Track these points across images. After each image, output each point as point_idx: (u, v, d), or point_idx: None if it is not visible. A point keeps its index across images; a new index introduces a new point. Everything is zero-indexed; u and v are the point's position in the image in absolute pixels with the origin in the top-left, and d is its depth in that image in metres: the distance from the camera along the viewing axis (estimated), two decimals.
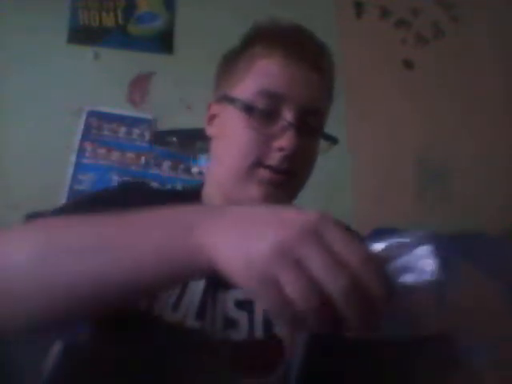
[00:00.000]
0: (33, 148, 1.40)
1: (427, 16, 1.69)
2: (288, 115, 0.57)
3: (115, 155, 1.46)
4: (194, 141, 1.47)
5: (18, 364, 0.49)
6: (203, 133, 0.67)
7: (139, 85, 1.52)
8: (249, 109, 0.58)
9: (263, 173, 0.58)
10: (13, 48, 1.47)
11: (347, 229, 0.64)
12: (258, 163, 0.58)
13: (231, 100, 0.61)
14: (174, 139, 1.49)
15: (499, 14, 1.68)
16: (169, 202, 0.62)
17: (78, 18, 1.55)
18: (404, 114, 1.59)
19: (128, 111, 1.49)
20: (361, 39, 1.65)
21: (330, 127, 0.62)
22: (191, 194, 0.68)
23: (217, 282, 0.56)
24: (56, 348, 0.28)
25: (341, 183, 1.50)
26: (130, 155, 1.46)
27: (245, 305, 0.57)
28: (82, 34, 1.54)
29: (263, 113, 0.58)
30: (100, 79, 1.48)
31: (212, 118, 0.66)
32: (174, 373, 0.32)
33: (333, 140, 0.63)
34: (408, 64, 1.66)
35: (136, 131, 1.48)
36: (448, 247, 0.33)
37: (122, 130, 1.48)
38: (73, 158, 1.44)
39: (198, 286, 0.57)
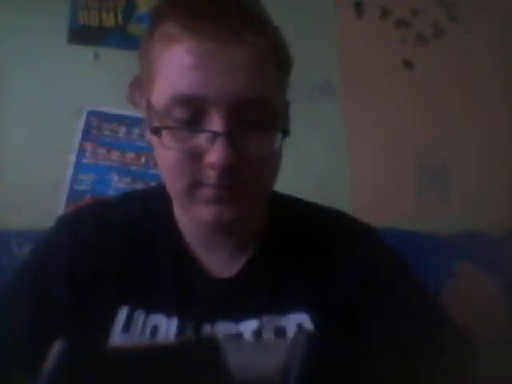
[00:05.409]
0: (33, 148, 1.40)
1: (427, 16, 1.69)
2: (213, 122, 0.44)
3: (115, 155, 1.46)
4: None
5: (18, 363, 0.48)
6: None
7: (139, 85, 1.52)
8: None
9: (206, 192, 0.47)
10: (13, 48, 1.47)
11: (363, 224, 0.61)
12: (196, 182, 0.47)
13: (150, 107, 0.49)
14: None
15: (499, 14, 1.68)
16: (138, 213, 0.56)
17: (77, 18, 1.55)
18: (404, 113, 1.59)
19: (128, 111, 1.49)
20: (361, 39, 1.64)
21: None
22: (160, 197, 0.55)
23: (199, 316, 0.52)
24: (56, 348, 0.28)
25: (340, 183, 1.50)
26: (130, 155, 1.46)
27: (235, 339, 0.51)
28: (82, 34, 1.54)
29: (185, 123, 0.45)
30: (100, 79, 1.48)
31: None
32: (173, 374, 0.32)
33: (284, 132, 0.48)
34: (408, 64, 1.66)
35: (136, 131, 1.48)
36: None
37: (122, 130, 1.48)
38: (73, 158, 1.44)
39: (170, 325, 0.51)
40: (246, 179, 0.47)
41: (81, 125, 1.46)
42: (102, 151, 1.46)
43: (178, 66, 0.44)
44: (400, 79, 1.64)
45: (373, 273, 0.56)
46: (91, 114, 1.47)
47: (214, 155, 0.44)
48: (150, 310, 0.52)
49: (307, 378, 0.31)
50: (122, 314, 0.52)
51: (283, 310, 0.53)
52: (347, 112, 1.57)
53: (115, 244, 0.55)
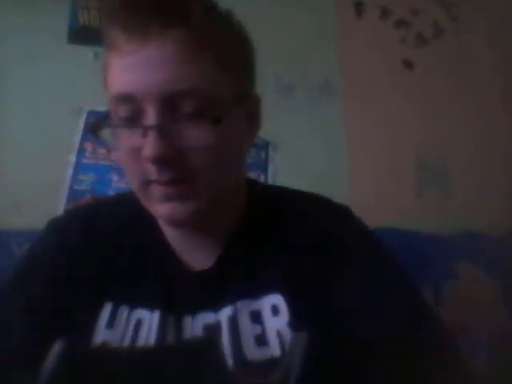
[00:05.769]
0: (33, 148, 1.40)
1: (427, 16, 1.69)
2: (147, 117, 0.45)
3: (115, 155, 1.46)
4: None
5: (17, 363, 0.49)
6: None
7: None
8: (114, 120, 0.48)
9: (156, 189, 0.48)
10: (13, 48, 1.47)
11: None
12: (146, 180, 0.48)
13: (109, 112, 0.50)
14: None
15: (499, 14, 1.68)
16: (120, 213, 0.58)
17: (77, 18, 1.55)
18: (404, 113, 1.59)
19: None
20: (361, 39, 1.65)
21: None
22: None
23: (179, 308, 0.54)
24: (56, 348, 0.28)
25: (340, 183, 1.50)
26: None
27: (213, 329, 0.53)
28: (82, 34, 1.54)
29: (128, 121, 0.47)
30: (100, 79, 1.48)
31: None
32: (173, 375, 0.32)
33: (215, 120, 0.46)
34: (408, 64, 1.67)
35: None
36: None
37: None
38: (73, 158, 1.44)
39: (152, 319, 0.53)
40: (193, 173, 0.47)
41: (81, 125, 1.47)
42: (101, 151, 1.46)
43: (115, 67, 0.47)
44: (400, 79, 1.64)
45: (347, 256, 0.56)
46: (91, 114, 1.47)
47: (146, 149, 0.45)
48: (133, 306, 0.54)
49: (307, 378, 0.31)
50: (107, 311, 0.53)
51: (258, 294, 0.54)
52: (347, 112, 1.58)
53: (101, 244, 0.57)
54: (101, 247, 0.57)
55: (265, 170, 1.49)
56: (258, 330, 0.52)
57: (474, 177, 1.56)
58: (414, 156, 1.59)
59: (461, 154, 1.59)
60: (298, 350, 0.32)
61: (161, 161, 0.45)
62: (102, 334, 0.52)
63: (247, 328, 0.52)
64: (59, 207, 1.37)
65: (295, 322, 0.51)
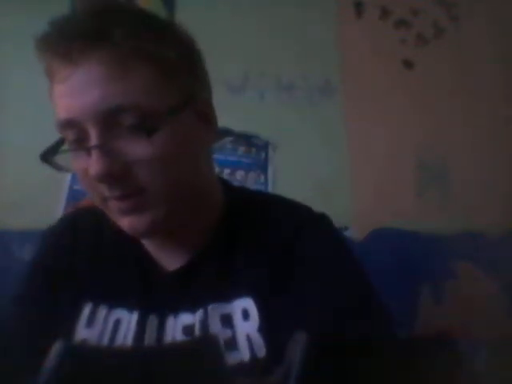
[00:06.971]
0: (33, 148, 1.40)
1: (427, 16, 1.69)
2: (91, 138, 0.46)
3: None
4: None
5: (17, 363, 0.49)
6: None
7: None
8: (66, 144, 0.50)
9: (112, 204, 0.49)
10: (13, 48, 1.47)
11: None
12: (103, 197, 0.49)
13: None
14: None
15: (499, 14, 1.68)
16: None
17: None
18: (404, 113, 1.59)
19: None
20: (361, 39, 1.65)
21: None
22: None
23: (160, 308, 0.55)
24: (56, 348, 0.28)
25: (340, 183, 1.50)
26: None
27: (189, 330, 0.54)
28: None
29: (76, 143, 0.48)
30: None
31: None
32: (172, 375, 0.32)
33: (150, 132, 0.46)
34: (408, 64, 1.67)
35: None
36: None
37: None
38: None
39: (131, 319, 0.55)
40: (142, 186, 0.48)
41: None
42: None
43: (56, 94, 0.49)
44: (400, 79, 1.64)
45: (317, 263, 0.55)
46: None
47: (91, 168, 0.46)
48: (112, 306, 0.56)
49: (307, 378, 0.31)
50: (87, 310, 0.56)
51: (229, 297, 0.54)
52: (347, 112, 1.58)
53: (83, 248, 0.60)
54: (83, 251, 0.60)
55: (265, 170, 1.49)
56: (228, 333, 0.53)
57: (474, 177, 1.56)
58: (414, 156, 1.59)
59: (461, 154, 1.59)
60: (298, 350, 0.32)
61: (106, 178, 0.46)
62: (81, 333, 0.54)
63: (218, 332, 0.53)
64: (59, 207, 1.37)
65: (265, 327, 0.52)
